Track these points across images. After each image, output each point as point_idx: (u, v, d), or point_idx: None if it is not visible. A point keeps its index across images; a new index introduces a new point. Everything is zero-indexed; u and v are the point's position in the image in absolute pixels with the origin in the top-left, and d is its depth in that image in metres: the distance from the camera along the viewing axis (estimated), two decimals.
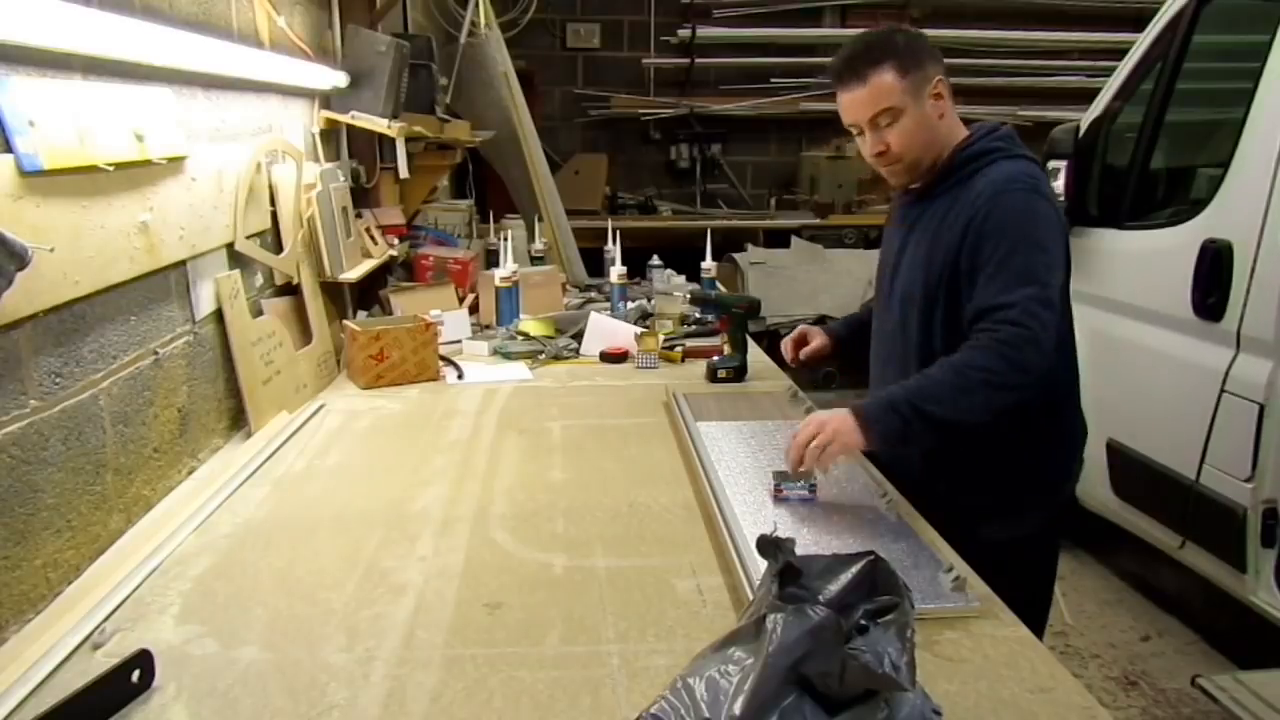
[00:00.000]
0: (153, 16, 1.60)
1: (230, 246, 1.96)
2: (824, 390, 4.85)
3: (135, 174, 1.53)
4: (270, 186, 2.21)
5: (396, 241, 3.04)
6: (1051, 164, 3.32)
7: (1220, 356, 2.62)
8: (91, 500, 1.42)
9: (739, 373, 2.42)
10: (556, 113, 6.89)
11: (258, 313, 2.10)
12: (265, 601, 1.32)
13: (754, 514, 1.54)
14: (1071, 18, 6.85)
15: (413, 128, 2.80)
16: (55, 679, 1.12)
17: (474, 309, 3.06)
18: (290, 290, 2.32)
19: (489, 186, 4.79)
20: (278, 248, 2.25)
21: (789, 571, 0.96)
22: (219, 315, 1.90)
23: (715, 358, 2.49)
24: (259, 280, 2.16)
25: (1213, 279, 2.63)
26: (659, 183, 7.14)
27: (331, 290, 2.56)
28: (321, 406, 2.20)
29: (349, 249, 2.59)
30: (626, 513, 1.63)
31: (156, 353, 1.64)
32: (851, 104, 1.67)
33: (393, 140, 2.72)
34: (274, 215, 2.23)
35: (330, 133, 2.75)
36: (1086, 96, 3.63)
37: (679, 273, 3.67)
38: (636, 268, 3.53)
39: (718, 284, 3.19)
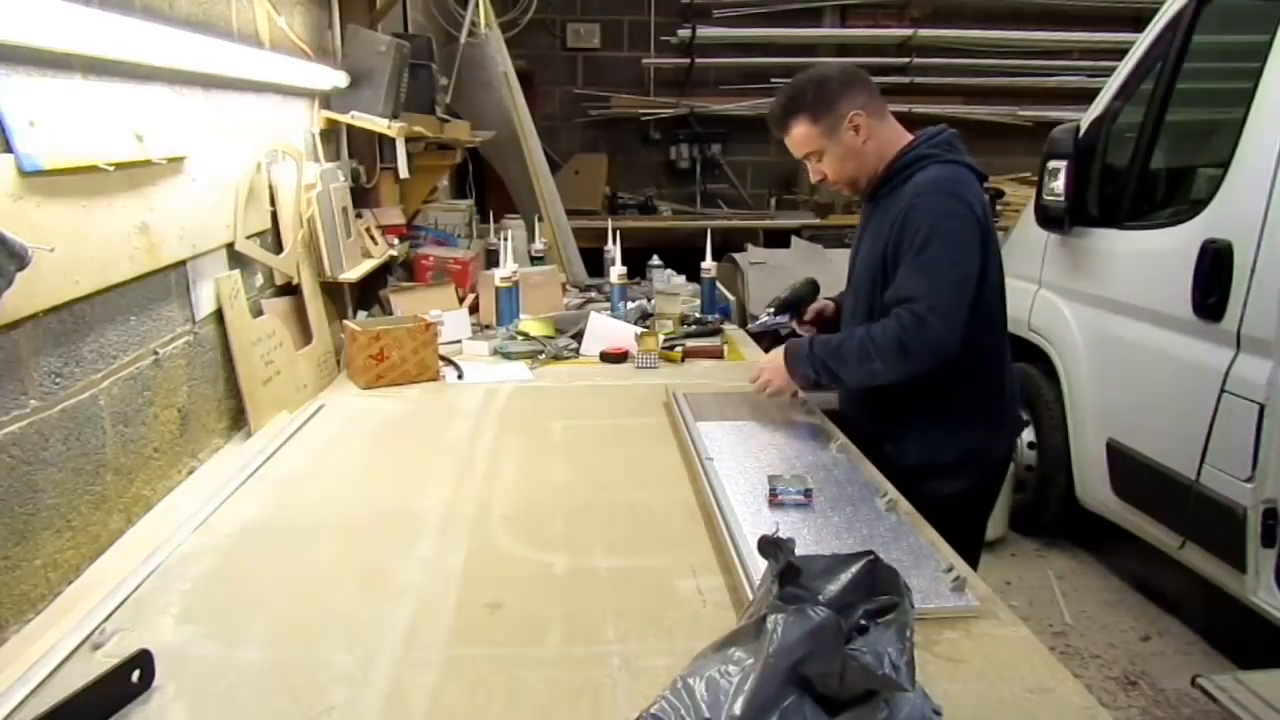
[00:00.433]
0: (153, 16, 1.60)
1: (230, 246, 1.96)
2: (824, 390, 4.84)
3: (135, 174, 1.54)
4: (270, 186, 2.21)
5: (396, 241, 3.04)
6: (1051, 164, 3.32)
7: (1220, 356, 2.62)
8: (91, 500, 1.42)
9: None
10: (556, 113, 6.89)
11: (258, 313, 2.10)
12: (265, 602, 1.32)
13: (754, 514, 1.54)
14: (1071, 18, 6.85)
15: (413, 128, 2.80)
16: (55, 679, 1.11)
17: (474, 309, 3.06)
18: (290, 290, 2.32)
19: (489, 186, 4.79)
20: (278, 248, 2.25)
21: (789, 571, 0.96)
22: (219, 315, 1.90)
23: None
24: (259, 280, 2.16)
25: (1213, 279, 2.63)
26: (659, 183, 7.15)
27: (331, 290, 2.56)
28: (321, 407, 2.20)
29: (349, 249, 2.59)
30: (626, 513, 1.63)
31: (156, 353, 1.64)
32: (788, 146, 2.02)
33: (393, 140, 2.72)
34: (274, 215, 2.23)
35: (330, 133, 2.75)
36: (1087, 96, 3.63)
37: (679, 273, 3.67)
38: (636, 268, 3.53)
39: (718, 284, 3.19)
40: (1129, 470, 3.04)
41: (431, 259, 3.21)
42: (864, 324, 1.90)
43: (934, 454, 1.93)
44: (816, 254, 5.78)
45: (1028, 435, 3.67)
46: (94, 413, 1.42)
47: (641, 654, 1.18)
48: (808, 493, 1.59)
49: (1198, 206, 2.78)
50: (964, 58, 6.85)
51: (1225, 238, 2.61)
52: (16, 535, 1.23)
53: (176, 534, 1.51)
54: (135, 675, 1.08)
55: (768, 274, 5.46)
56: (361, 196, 2.96)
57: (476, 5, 4.09)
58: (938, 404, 1.90)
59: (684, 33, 6.71)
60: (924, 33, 6.76)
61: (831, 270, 5.76)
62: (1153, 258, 2.94)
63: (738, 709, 0.86)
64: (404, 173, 2.80)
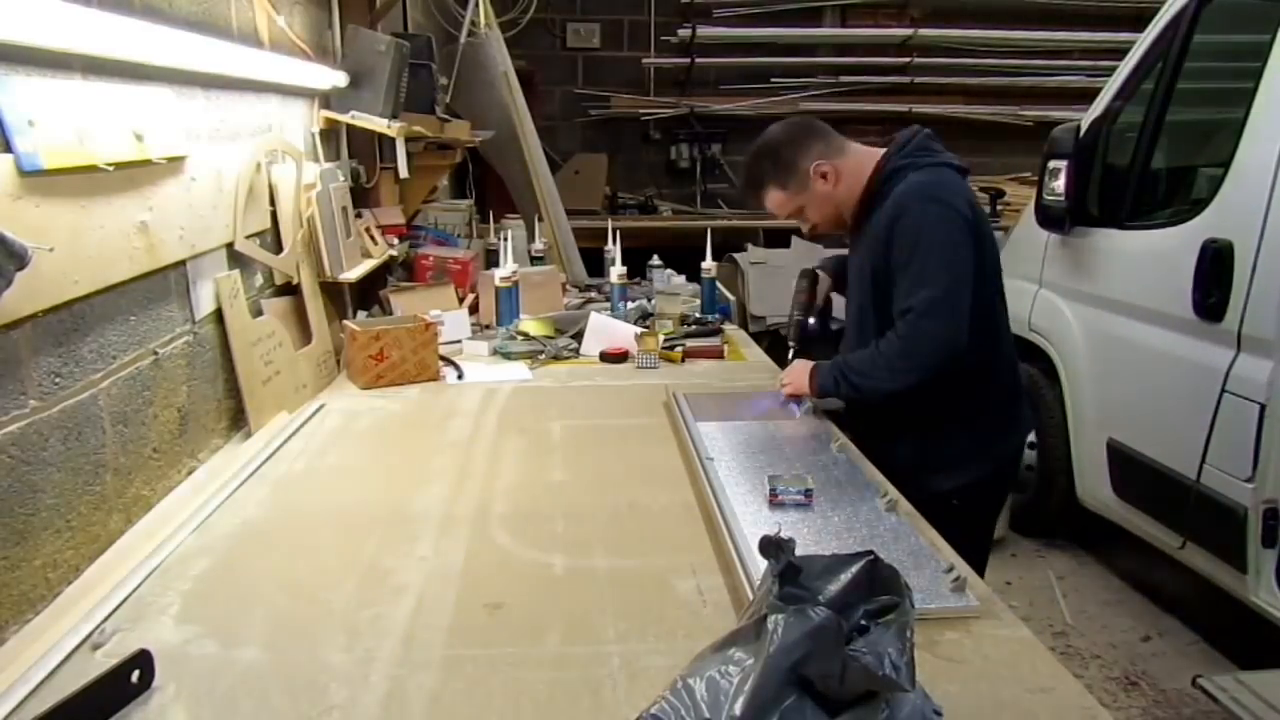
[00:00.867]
0: (153, 16, 1.59)
1: (230, 246, 1.96)
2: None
3: (135, 174, 1.53)
4: (270, 186, 2.21)
5: (396, 241, 3.03)
6: (1052, 164, 3.32)
7: (1221, 356, 2.62)
8: (91, 500, 1.42)
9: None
10: (556, 113, 6.89)
11: (257, 313, 2.10)
12: (265, 602, 1.32)
13: (754, 514, 1.54)
14: (1071, 18, 6.85)
15: (413, 128, 2.80)
16: (55, 679, 1.11)
17: (474, 309, 3.06)
18: (290, 290, 2.31)
19: (489, 186, 4.79)
20: (277, 248, 2.25)
21: (789, 571, 0.96)
22: (219, 315, 1.90)
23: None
24: (259, 280, 2.16)
25: (1213, 279, 2.63)
26: (659, 183, 7.14)
27: (331, 290, 2.56)
28: (321, 406, 2.20)
29: (349, 249, 2.59)
30: (626, 513, 1.63)
31: (156, 353, 1.63)
32: (770, 209, 2.06)
33: (393, 140, 2.72)
34: (274, 215, 2.23)
35: (330, 133, 2.75)
36: (1087, 96, 3.63)
37: (679, 273, 3.67)
38: (636, 268, 3.53)
39: (718, 284, 3.19)
40: (1129, 470, 3.04)
41: (431, 259, 3.21)
42: (868, 335, 1.94)
43: (940, 449, 1.95)
44: (816, 254, 5.78)
45: (1028, 435, 3.67)
46: (93, 413, 1.42)
47: (641, 654, 1.18)
48: (808, 493, 1.59)
49: (1198, 206, 2.78)
50: (964, 58, 6.85)
51: (1226, 237, 2.61)
52: (16, 535, 1.23)
53: (176, 534, 1.51)
54: (135, 675, 1.08)
55: (768, 274, 5.46)
56: (361, 196, 2.96)
57: (476, 5, 4.09)
58: (946, 405, 1.91)
59: (684, 32, 6.70)
60: (924, 33, 6.75)
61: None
62: (1153, 257, 2.94)
63: (738, 709, 0.86)
64: (404, 173, 2.79)
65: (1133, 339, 3.01)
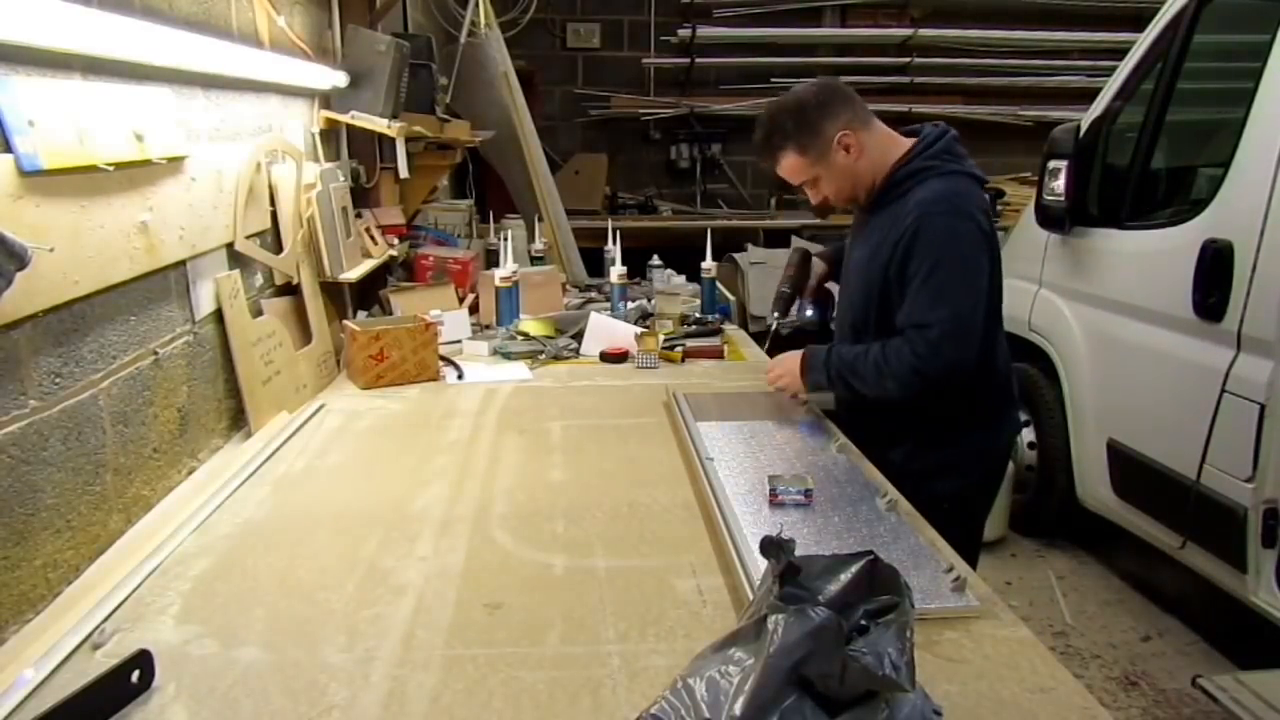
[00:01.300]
0: (153, 16, 1.59)
1: (230, 246, 1.96)
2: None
3: (135, 174, 1.53)
4: (270, 186, 2.21)
5: (396, 241, 3.03)
6: (1052, 164, 3.32)
7: (1221, 356, 2.62)
8: (91, 500, 1.42)
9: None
10: (556, 113, 6.89)
11: (257, 313, 2.10)
12: (265, 602, 1.32)
13: (754, 514, 1.54)
14: (1071, 18, 6.85)
15: (413, 128, 2.80)
16: (55, 679, 1.11)
17: (474, 309, 3.06)
18: (290, 290, 2.31)
19: (489, 186, 4.79)
20: (277, 248, 2.25)
21: (789, 571, 0.96)
22: (219, 315, 1.90)
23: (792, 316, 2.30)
24: (259, 280, 2.16)
25: (1213, 279, 2.63)
26: (659, 183, 7.14)
27: (331, 290, 2.56)
28: (321, 406, 2.20)
29: (349, 249, 2.59)
30: (626, 513, 1.63)
31: (156, 353, 1.64)
32: (781, 174, 1.96)
33: (393, 140, 2.72)
34: (274, 215, 2.23)
35: (330, 133, 2.75)
36: (1087, 96, 3.63)
37: (679, 273, 3.67)
38: (636, 268, 3.53)
39: (718, 284, 3.19)
40: (1129, 470, 3.04)
41: (431, 259, 3.21)
42: (864, 330, 1.92)
43: (933, 454, 1.94)
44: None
45: (1028, 435, 3.67)
46: (93, 413, 1.42)
47: (641, 654, 1.18)
48: (808, 493, 1.59)
49: (1198, 206, 2.78)
50: (964, 58, 6.85)
51: (1226, 238, 2.61)
52: (16, 535, 1.23)
53: (176, 534, 1.51)
54: (135, 675, 1.08)
55: (768, 274, 5.46)
56: (361, 196, 2.96)
57: (476, 5, 4.09)
58: (938, 406, 1.90)
59: (684, 33, 6.70)
60: (924, 32, 6.76)
61: None
62: (1153, 258, 2.94)
63: (738, 709, 0.86)
64: (404, 173, 2.80)
65: (1133, 339, 3.01)
